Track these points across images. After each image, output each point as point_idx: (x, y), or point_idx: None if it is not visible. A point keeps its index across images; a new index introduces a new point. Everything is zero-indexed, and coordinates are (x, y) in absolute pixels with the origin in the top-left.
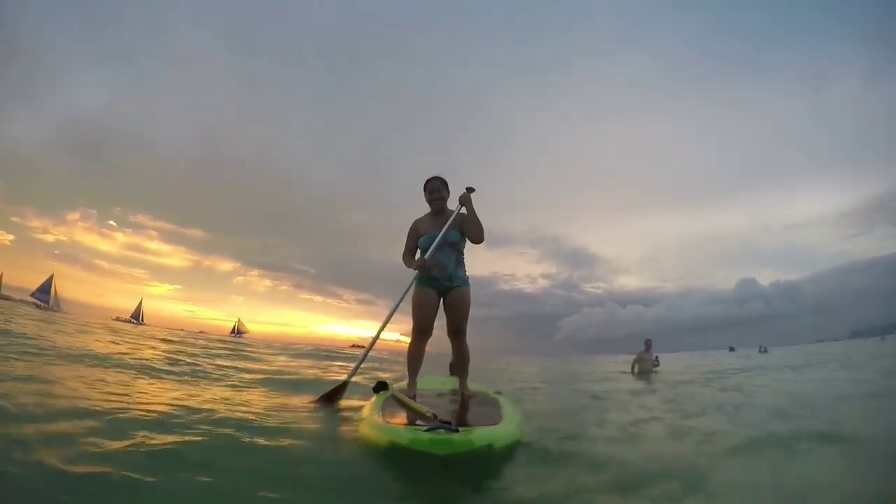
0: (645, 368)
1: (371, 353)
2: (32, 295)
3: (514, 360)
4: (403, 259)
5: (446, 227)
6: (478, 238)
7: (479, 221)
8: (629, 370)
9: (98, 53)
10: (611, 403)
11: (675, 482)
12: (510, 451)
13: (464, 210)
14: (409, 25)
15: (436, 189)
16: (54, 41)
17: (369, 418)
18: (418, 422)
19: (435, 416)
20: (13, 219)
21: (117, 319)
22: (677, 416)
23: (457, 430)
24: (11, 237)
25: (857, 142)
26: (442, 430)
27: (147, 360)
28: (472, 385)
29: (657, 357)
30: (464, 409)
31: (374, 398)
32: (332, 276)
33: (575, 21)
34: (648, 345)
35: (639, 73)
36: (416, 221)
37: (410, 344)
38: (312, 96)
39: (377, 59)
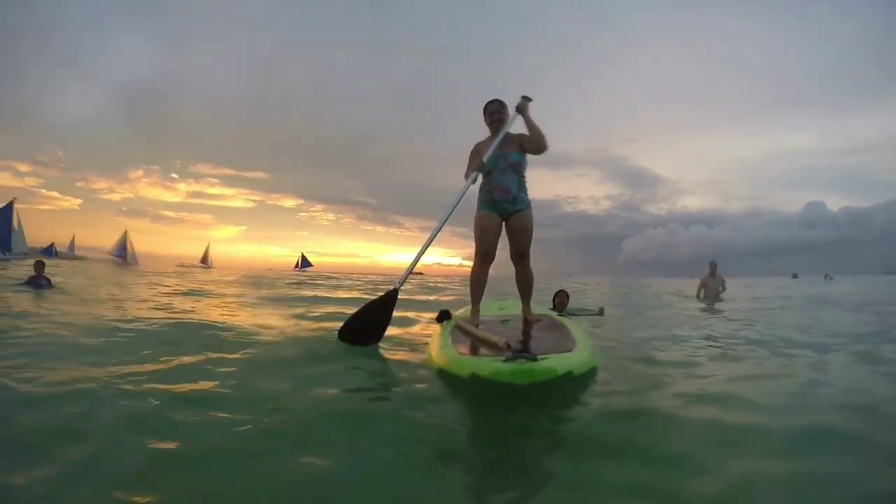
0: (711, 293)
1: (432, 279)
2: (110, 253)
3: (582, 280)
4: (466, 175)
5: (502, 133)
6: (541, 147)
7: (538, 130)
8: (694, 295)
9: (141, 14)
10: (675, 332)
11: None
12: (587, 378)
13: (520, 120)
14: None
15: (496, 111)
16: (96, 9)
17: (443, 349)
18: (495, 353)
19: (508, 346)
20: (78, 184)
21: (180, 266)
22: (740, 347)
23: (535, 359)
24: (79, 201)
25: None
26: (522, 360)
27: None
28: (536, 309)
29: (724, 281)
30: (534, 335)
31: (439, 328)
32: (392, 205)
33: None
34: (713, 268)
35: None
36: (477, 144)
37: (473, 269)
38: (358, 29)
39: None
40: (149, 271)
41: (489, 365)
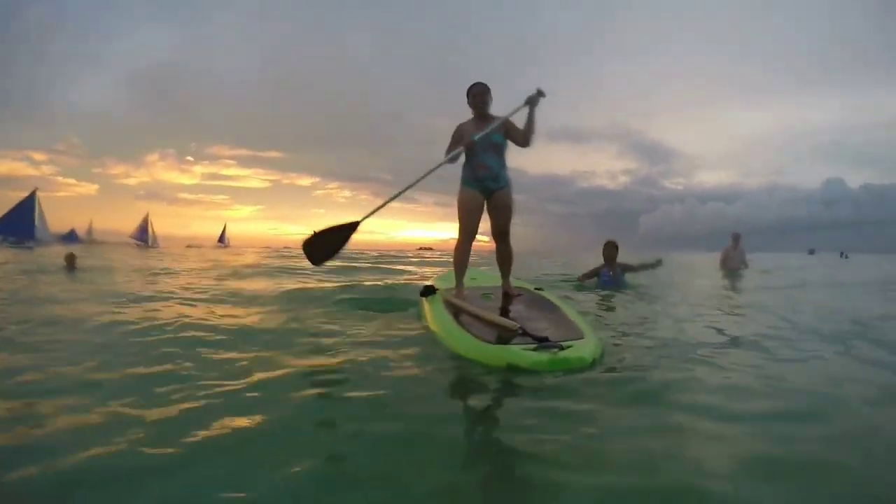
0: (733, 266)
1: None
2: (132, 237)
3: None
4: (447, 153)
5: (494, 124)
6: (527, 144)
7: (534, 128)
8: (719, 266)
9: (152, 3)
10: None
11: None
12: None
13: (522, 111)
14: None
15: (480, 94)
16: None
17: (457, 333)
18: (509, 336)
19: (524, 331)
20: (95, 170)
21: (189, 246)
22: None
23: (561, 348)
24: (96, 187)
25: None
26: (555, 349)
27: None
28: (514, 282)
29: (746, 257)
30: (531, 316)
31: (427, 303)
32: (409, 181)
33: None
34: (737, 238)
35: None
36: (459, 125)
37: (458, 245)
38: (375, 8)
39: None
40: (172, 252)
41: (526, 356)
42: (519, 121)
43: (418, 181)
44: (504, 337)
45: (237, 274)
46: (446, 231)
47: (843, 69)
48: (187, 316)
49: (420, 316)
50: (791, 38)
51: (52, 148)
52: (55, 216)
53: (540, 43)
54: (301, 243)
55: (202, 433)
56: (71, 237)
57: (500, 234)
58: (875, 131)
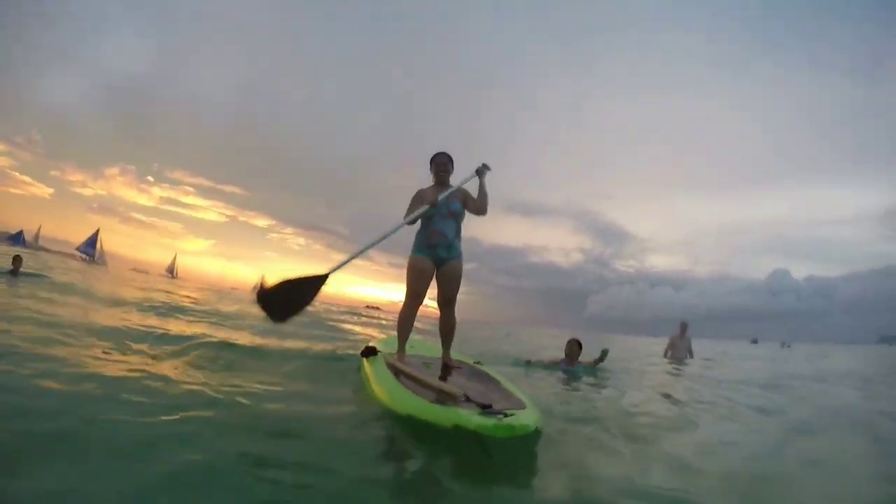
0: (678, 355)
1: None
2: (78, 249)
3: (542, 332)
4: (406, 217)
5: (449, 191)
6: (482, 212)
7: (487, 197)
8: (663, 354)
9: (137, 15)
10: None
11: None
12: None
13: (474, 181)
14: None
15: (443, 164)
16: (92, 4)
17: (400, 393)
18: (452, 403)
19: (467, 397)
20: (52, 173)
21: (134, 270)
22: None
23: (506, 415)
24: (51, 191)
25: None
26: (500, 415)
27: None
28: (454, 355)
29: (692, 346)
30: (473, 386)
31: (368, 364)
32: (363, 236)
33: None
34: (684, 328)
35: (682, 49)
36: (419, 191)
37: (403, 310)
38: (348, 60)
39: (410, 23)
40: (118, 274)
41: (473, 419)
42: (472, 190)
43: (381, 240)
44: (446, 403)
45: (180, 310)
46: (396, 293)
47: (787, 170)
48: (108, 354)
49: (362, 376)
50: (742, 139)
51: (13, 140)
52: (6, 214)
53: (497, 115)
54: (254, 292)
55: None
56: (17, 239)
57: (447, 303)
58: (823, 227)
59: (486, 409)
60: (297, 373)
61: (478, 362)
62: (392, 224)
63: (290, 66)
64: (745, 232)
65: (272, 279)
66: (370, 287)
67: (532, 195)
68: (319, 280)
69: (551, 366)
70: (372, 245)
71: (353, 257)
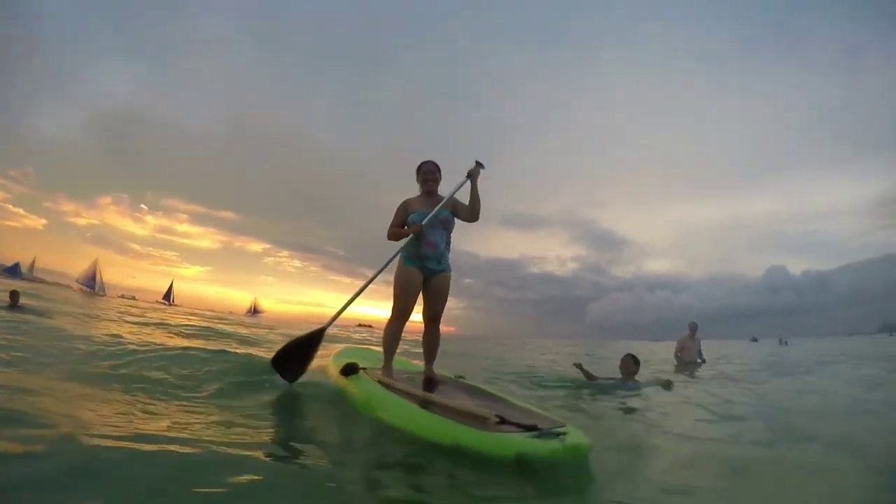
0: (688, 357)
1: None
2: (79, 281)
3: (546, 343)
4: (389, 233)
5: (441, 203)
6: (474, 216)
7: (479, 201)
8: (674, 355)
9: (124, 43)
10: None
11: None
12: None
13: (466, 186)
14: (438, 8)
15: (430, 171)
16: (77, 34)
17: (425, 419)
18: (478, 425)
19: (502, 419)
20: (45, 204)
21: (122, 297)
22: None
23: (561, 436)
24: (44, 222)
25: None
26: (554, 437)
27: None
28: (434, 370)
29: (702, 350)
30: (492, 407)
31: (354, 384)
32: (361, 258)
33: (605, 1)
34: (694, 329)
35: (670, 55)
36: (405, 201)
37: (389, 325)
38: (339, 78)
39: (407, 39)
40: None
41: (539, 445)
42: (463, 196)
43: (375, 277)
44: (476, 427)
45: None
46: (385, 309)
47: (777, 166)
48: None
49: (347, 398)
50: (734, 136)
51: (6, 173)
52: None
53: (493, 133)
54: (270, 361)
55: None
56: (14, 271)
57: (433, 318)
58: (817, 220)
59: (530, 429)
60: (289, 397)
61: (459, 376)
62: (382, 261)
63: (281, 88)
64: (739, 230)
65: (265, 304)
66: (362, 306)
67: (526, 206)
68: (317, 335)
69: (606, 383)
70: (365, 287)
71: (346, 305)
